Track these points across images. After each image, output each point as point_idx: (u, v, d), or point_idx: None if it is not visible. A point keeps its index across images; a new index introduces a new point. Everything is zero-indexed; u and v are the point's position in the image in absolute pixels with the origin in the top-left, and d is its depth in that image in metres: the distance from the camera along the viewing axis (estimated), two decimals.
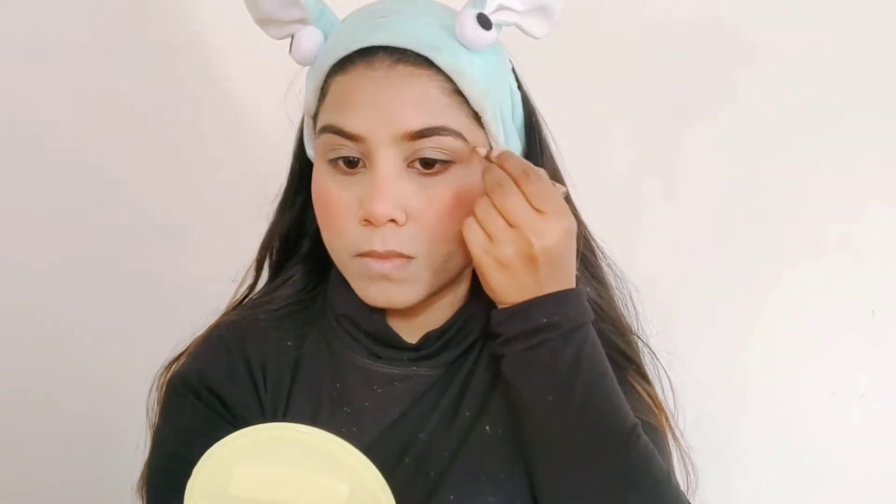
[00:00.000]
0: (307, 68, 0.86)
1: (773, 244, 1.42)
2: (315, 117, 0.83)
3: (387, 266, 0.79)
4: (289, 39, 0.85)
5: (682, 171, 1.42)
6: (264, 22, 0.85)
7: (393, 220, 0.77)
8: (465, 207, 0.78)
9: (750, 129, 1.40)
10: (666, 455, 0.85)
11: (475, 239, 0.75)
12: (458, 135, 0.78)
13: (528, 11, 0.82)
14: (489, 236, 0.74)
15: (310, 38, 0.82)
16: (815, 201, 1.41)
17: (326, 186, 0.80)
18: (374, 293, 0.81)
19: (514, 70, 0.87)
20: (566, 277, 0.76)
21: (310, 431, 0.64)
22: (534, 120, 0.88)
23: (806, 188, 1.40)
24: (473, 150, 0.78)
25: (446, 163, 0.78)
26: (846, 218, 1.41)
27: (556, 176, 0.89)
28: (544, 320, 0.74)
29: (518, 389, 0.76)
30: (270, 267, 0.95)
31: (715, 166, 1.41)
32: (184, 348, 0.92)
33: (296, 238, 0.92)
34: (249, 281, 0.95)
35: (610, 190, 1.35)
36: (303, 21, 0.82)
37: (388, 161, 0.77)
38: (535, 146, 0.87)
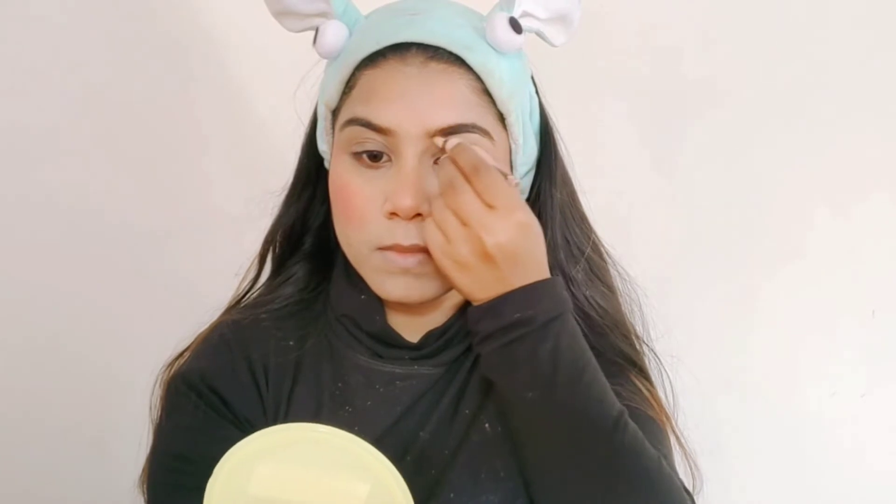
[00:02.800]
0: (316, 67, 0.87)
1: (773, 244, 1.42)
2: (336, 111, 0.83)
3: (409, 260, 0.79)
4: (301, 35, 0.85)
5: (680, 173, 1.42)
6: (283, 14, 0.84)
7: (419, 215, 0.78)
8: None
9: (749, 129, 1.40)
10: (663, 445, 0.85)
11: (433, 240, 0.75)
12: (486, 133, 0.79)
13: (549, 20, 0.83)
14: (446, 237, 0.74)
15: (336, 31, 0.82)
16: (814, 201, 1.41)
17: (348, 179, 0.80)
18: (391, 287, 0.81)
19: (532, 77, 0.88)
20: (535, 269, 0.75)
21: (329, 431, 0.64)
22: (548, 125, 0.89)
23: (805, 188, 1.41)
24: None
25: None
26: (846, 217, 1.41)
27: (565, 180, 0.90)
28: (517, 315, 0.74)
29: (499, 387, 0.76)
30: (273, 261, 0.95)
31: (714, 167, 1.41)
32: (185, 346, 0.92)
33: (299, 233, 0.93)
34: (252, 275, 0.95)
35: (608, 192, 1.36)
36: (325, 15, 0.83)
37: (416, 155, 0.78)
38: (550, 151, 0.88)
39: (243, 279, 0.95)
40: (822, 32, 1.38)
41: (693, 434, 0.92)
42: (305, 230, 0.93)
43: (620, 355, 0.89)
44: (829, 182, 1.40)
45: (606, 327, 0.89)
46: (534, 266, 0.75)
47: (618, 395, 0.78)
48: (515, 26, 0.80)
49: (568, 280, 0.87)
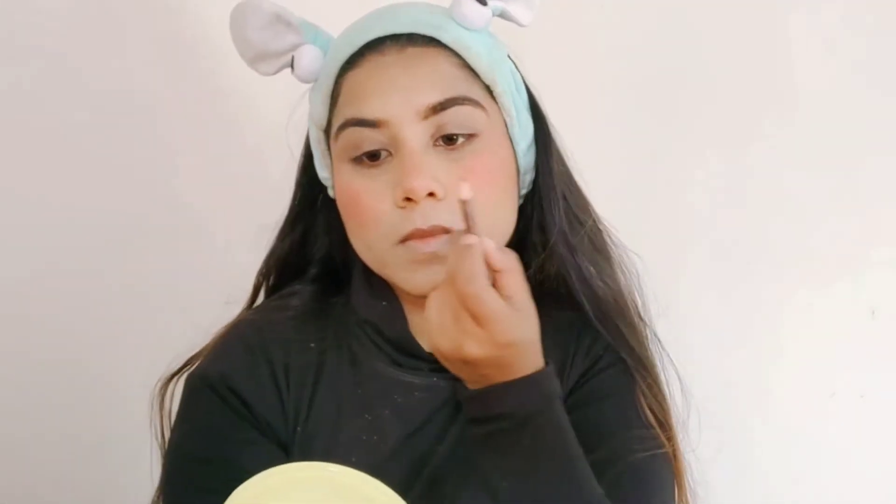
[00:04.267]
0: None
1: (773, 244, 1.42)
2: (328, 128, 0.84)
3: (433, 244, 0.78)
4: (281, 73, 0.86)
5: (681, 171, 1.41)
6: (257, 59, 0.86)
7: (432, 194, 0.77)
8: (496, 174, 0.81)
9: (749, 128, 1.39)
10: (664, 482, 0.84)
11: (429, 317, 0.74)
12: (477, 103, 0.80)
13: None
14: (439, 324, 0.73)
15: (311, 53, 0.84)
16: (814, 200, 1.40)
17: (354, 183, 0.81)
18: (421, 278, 0.80)
19: (510, 56, 0.88)
20: (519, 369, 0.73)
21: (340, 471, 0.64)
22: (536, 101, 0.89)
23: (806, 187, 1.40)
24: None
25: (469, 136, 0.79)
26: (847, 217, 1.41)
27: (560, 158, 0.89)
28: (496, 411, 0.73)
29: (480, 464, 0.76)
30: (266, 293, 0.95)
31: (714, 165, 1.41)
32: (190, 356, 0.92)
33: (298, 264, 0.93)
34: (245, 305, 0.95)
35: (609, 191, 1.35)
36: (297, 46, 0.85)
37: (414, 139, 0.78)
38: (542, 125, 0.88)
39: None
40: (825, 30, 1.37)
41: (691, 434, 0.93)
42: (307, 261, 0.93)
43: (627, 350, 0.88)
44: (830, 182, 1.40)
45: (610, 301, 0.88)
46: (518, 368, 0.73)
47: (617, 447, 0.79)
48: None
49: (571, 250, 0.87)
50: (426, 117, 0.77)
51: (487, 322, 0.70)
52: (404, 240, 0.79)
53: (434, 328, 0.73)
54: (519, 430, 0.73)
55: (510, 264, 0.73)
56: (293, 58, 0.84)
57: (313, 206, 0.91)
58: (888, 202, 1.41)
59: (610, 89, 1.38)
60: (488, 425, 0.74)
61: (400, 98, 0.77)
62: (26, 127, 1.32)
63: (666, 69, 1.38)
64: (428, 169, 0.77)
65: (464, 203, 0.72)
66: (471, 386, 0.75)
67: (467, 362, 0.72)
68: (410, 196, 0.77)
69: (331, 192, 0.87)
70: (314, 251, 0.92)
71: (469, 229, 0.72)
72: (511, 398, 0.73)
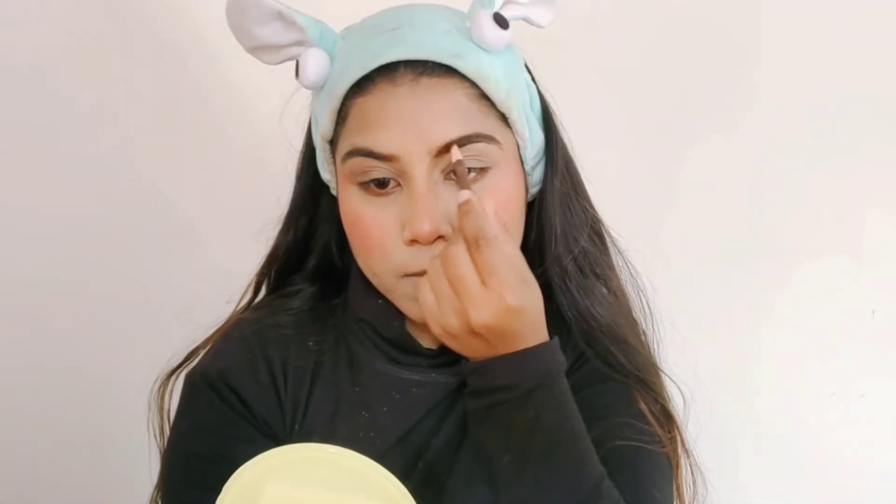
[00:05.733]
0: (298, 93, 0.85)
1: (774, 245, 1.43)
2: (333, 142, 0.81)
3: None
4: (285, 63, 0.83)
5: (684, 173, 1.42)
6: (259, 49, 0.81)
7: (441, 237, 0.76)
8: (507, 207, 0.78)
9: (752, 131, 1.40)
10: (656, 482, 0.83)
11: (425, 301, 0.74)
12: (491, 138, 0.77)
13: (532, 2, 0.81)
14: (437, 303, 0.73)
15: (317, 60, 0.79)
16: (816, 202, 1.41)
17: (361, 211, 0.78)
18: None
19: (526, 64, 0.86)
20: (526, 340, 0.73)
21: (340, 452, 0.64)
22: (548, 110, 0.87)
23: (807, 189, 1.41)
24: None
25: (482, 169, 0.77)
26: (847, 219, 1.41)
27: (569, 167, 0.87)
28: (498, 382, 0.73)
29: (480, 440, 0.76)
30: (267, 290, 0.94)
31: (717, 168, 1.41)
32: (188, 353, 0.91)
33: (300, 259, 0.92)
34: (246, 300, 0.94)
35: (612, 192, 1.35)
36: (301, 43, 0.80)
37: (424, 176, 0.75)
38: (551, 137, 0.85)
39: (240, 301, 0.94)
40: (829, 31, 1.38)
41: (691, 433, 0.92)
42: (307, 252, 0.92)
43: (614, 367, 0.86)
44: (829, 182, 1.40)
45: (603, 324, 0.86)
46: (524, 338, 0.73)
47: (606, 430, 0.79)
48: (501, 22, 0.77)
49: (563, 273, 0.85)
50: (439, 154, 0.75)
51: (495, 274, 0.70)
52: (410, 275, 0.78)
53: (434, 311, 0.73)
54: (519, 403, 0.72)
55: (503, 233, 0.73)
56: (297, 63, 0.80)
57: (316, 199, 0.89)
58: (889, 202, 1.41)
59: (609, 90, 1.39)
60: (489, 397, 0.73)
61: (413, 136, 0.74)
62: (24, 132, 1.33)
63: (668, 70, 1.39)
64: (437, 209, 0.75)
65: (457, 163, 0.73)
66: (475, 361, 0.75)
67: (475, 333, 0.71)
68: (419, 240, 0.75)
69: (333, 192, 0.86)
70: (315, 244, 0.91)
71: (464, 187, 0.73)
72: (513, 370, 0.72)
